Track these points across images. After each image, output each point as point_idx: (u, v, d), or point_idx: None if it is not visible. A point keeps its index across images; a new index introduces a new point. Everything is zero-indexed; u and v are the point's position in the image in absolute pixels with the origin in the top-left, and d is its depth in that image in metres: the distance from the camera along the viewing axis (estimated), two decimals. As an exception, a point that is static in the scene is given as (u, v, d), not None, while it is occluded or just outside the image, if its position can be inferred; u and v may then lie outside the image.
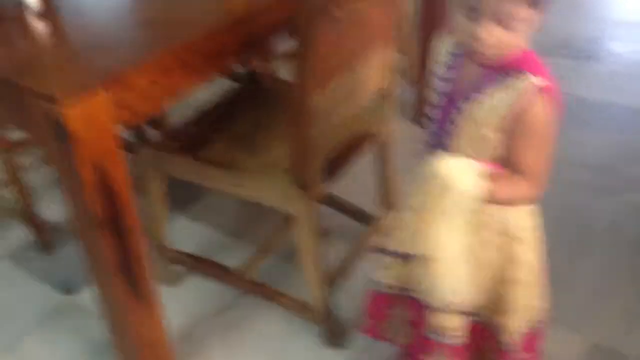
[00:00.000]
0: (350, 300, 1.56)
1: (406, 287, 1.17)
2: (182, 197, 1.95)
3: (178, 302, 1.64)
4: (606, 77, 2.57)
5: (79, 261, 1.28)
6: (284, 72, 2.06)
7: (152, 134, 2.11)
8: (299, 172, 1.29)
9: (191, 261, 1.70)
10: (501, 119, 0.96)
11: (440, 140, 1.05)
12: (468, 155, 1.00)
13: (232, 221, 1.94)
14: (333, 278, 1.52)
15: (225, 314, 1.63)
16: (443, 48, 1.06)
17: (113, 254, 1.20)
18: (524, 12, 0.90)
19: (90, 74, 1.11)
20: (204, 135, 1.53)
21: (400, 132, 1.76)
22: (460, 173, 0.98)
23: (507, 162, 1.00)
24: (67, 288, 1.73)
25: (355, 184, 1.80)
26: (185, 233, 1.87)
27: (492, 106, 0.96)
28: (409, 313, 1.21)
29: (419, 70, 2.18)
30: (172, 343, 1.36)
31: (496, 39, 0.91)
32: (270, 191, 1.37)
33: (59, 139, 1.06)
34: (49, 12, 1.35)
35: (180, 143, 1.51)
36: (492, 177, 0.99)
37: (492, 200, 1.00)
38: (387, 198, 1.69)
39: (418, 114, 2.24)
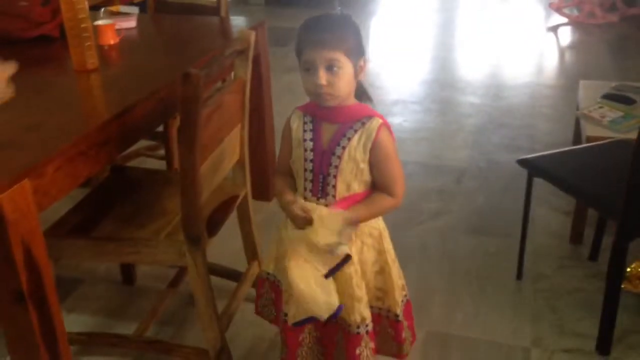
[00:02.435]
0: (234, 342, 1.84)
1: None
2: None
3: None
4: (397, 143, 3.21)
5: None
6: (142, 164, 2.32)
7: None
8: (190, 228, 1.58)
9: (83, 338, 1.85)
10: (368, 152, 1.36)
11: (322, 186, 1.40)
12: (351, 187, 1.38)
13: (110, 304, 2.11)
14: (222, 322, 1.79)
15: (126, 380, 1.80)
16: (296, 120, 1.45)
17: (38, 326, 1.37)
18: (344, 60, 1.30)
19: (10, 168, 1.32)
20: (89, 220, 1.75)
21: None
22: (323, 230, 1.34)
23: (375, 185, 1.40)
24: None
25: (220, 248, 2.12)
26: (66, 323, 1.97)
27: (361, 145, 1.36)
28: (318, 333, 1.53)
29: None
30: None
31: (328, 82, 1.30)
32: (166, 251, 1.63)
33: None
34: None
35: (69, 228, 1.72)
36: (356, 208, 1.38)
37: (364, 220, 1.40)
38: (252, 250, 2.02)
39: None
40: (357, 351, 1.48)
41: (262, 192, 2.63)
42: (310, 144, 1.42)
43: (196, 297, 1.67)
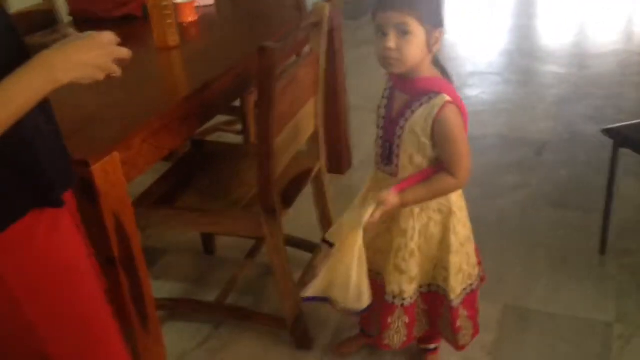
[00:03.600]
0: (309, 311, 1.89)
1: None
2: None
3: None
4: (473, 115, 3.14)
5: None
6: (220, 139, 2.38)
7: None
8: (266, 200, 1.63)
9: (169, 303, 1.95)
10: (429, 127, 1.35)
11: (388, 153, 1.42)
12: (413, 159, 1.38)
13: (192, 272, 2.20)
14: (298, 292, 1.84)
15: (208, 344, 1.88)
16: (384, 86, 1.46)
17: (128, 289, 1.46)
18: (414, 25, 1.27)
19: (100, 141, 1.40)
20: (172, 192, 1.83)
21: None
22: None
23: (439, 163, 1.39)
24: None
25: (296, 220, 2.16)
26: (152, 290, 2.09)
27: (422, 120, 1.35)
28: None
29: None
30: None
31: (397, 46, 1.28)
32: (244, 222, 1.69)
33: (86, 193, 1.33)
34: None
35: (154, 199, 1.80)
36: (414, 189, 1.38)
37: (422, 200, 1.40)
38: (327, 224, 2.05)
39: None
40: (389, 320, 1.50)
41: (336, 165, 2.65)
42: (383, 111, 1.44)
43: (274, 267, 1.72)
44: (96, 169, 1.30)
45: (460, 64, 3.88)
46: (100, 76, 1.04)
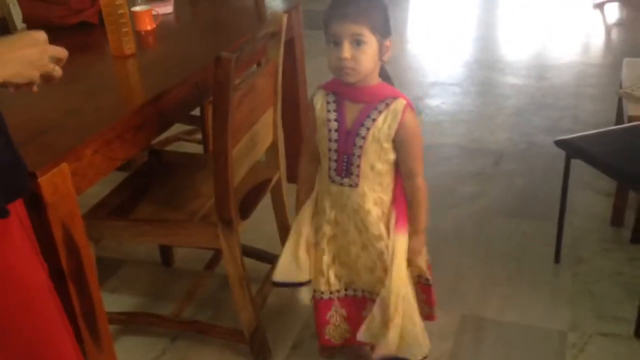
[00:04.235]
0: (268, 323, 1.87)
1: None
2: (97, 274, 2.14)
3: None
4: (433, 125, 3.19)
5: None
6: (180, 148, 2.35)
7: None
8: (223, 211, 1.61)
9: (123, 317, 1.91)
10: (393, 132, 1.38)
11: (346, 165, 1.43)
12: (374, 167, 1.42)
13: (150, 285, 2.17)
14: (255, 303, 1.82)
15: (163, 358, 1.85)
16: (320, 99, 1.46)
17: (78, 304, 1.42)
18: (368, 35, 1.31)
19: (49, 151, 1.37)
20: (127, 203, 1.80)
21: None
22: None
23: (400, 167, 1.44)
24: None
25: (255, 231, 2.15)
26: (107, 302, 2.02)
27: (386, 126, 1.37)
28: (344, 310, 1.59)
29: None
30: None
31: (352, 57, 1.31)
32: (200, 233, 1.67)
33: (33, 205, 1.30)
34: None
35: (109, 210, 1.77)
36: (414, 226, 1.49)
37: (424, 222, 1.51)
38: (286, 234, 2.04)
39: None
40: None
41: (297, 175, 2.64)
42: (335, 124, 1.43)
43: (230, 279, 1.70)
44: (44, 180, 1.28)
45: (422, 74, 3.92)
46: (35, 75, 1.01)
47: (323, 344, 1.66)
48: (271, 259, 2.06)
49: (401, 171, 1.46)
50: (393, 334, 1.48)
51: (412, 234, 1.49)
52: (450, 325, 1.89)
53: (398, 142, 1.40)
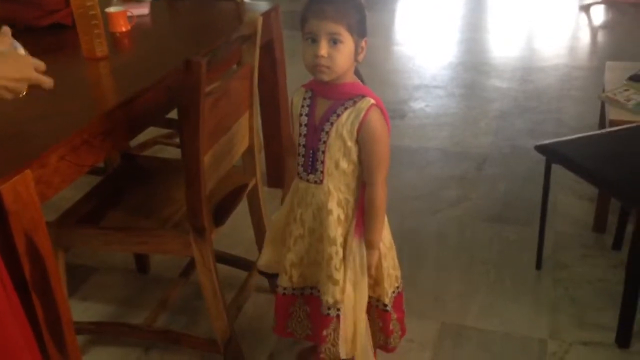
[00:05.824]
0: (244, 332, 1.83)
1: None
2: (69, 282, 2.09)
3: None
4: (417, 128, 3.16)
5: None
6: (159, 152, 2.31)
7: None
8: (195, 218, 1.57)
9: (92, 327, 1.86)
10: (355, 130, 1.34)
11: (312, 161, 1.41)
12: (339, 165, 1.38)
13: (124, 293, 2.11)
14: (229, 312, 1.78)
15: (136, 368, 1.81)
16: (298, 96, 1.44)
17: (42, 315, 1.38)
18: (345, 34, 1.28)
19: (12, 158, 1.32)
20: (98, 210, 1.75)
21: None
22: None
23: (363, 173, 1.40)
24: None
25: (232, 237, 2.11)
26: (78, 311, 1.97)
27: (349, 123, 1.35)
28: (308, 307, 1.53)
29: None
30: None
31: (328, 54, 1.28)
32: (172, 241, 1.62)
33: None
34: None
35: (78, 217, 1.72)
36: (367, 237, 1.43)
37: (380, 233, 1.45)
38: (262, 239, 2.00)
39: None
40: (324, 332, 1.48)
41: (277, 179, 2.61)
42: (305, 119, 1.42)
43: (203, 288, 1.66)
44: (5, 188, 1.23)
45: (407, 77, 3.90)
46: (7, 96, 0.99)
47: (278, 334, 1.62)
48: (248, 266, 2.02)
49: (363, 176, 1.42)
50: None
51: (366, 246, 1.44)
52: (430, 333, 1.86)
53: (360, 142, 1.37)
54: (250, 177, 1.89)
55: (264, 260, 1.64)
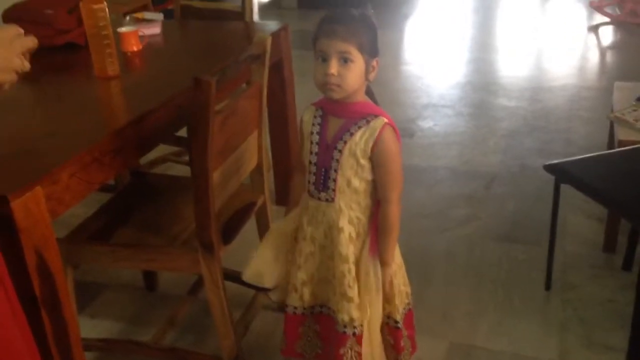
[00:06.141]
0: (251, 350, 1.83)
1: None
2: (78, 299, 2.10)
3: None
4: (426, 147, 3.17)
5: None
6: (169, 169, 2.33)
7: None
8: (204, 236, 1.58)
9: (101, 344, 1.86)
10: (369, 149, 1.36)
11: (323, 179, 1.41)
12: (351, 183, 1.39)
13: (132, 310, 2.12)
14: (237, 331, 1.78)
15: (143, 386, 1.81)
16: (308, 114, 1.45)
17: (51, 331, 1.38)
18: (355, 54, 1.30)
19: (23, 175, 1.34)
20: (108, 227, 1.77)
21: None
22: None
23: (375, 185, 1.40)
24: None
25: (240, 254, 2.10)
26: (87, 328, 1.98)
27: (362, 142, 1.36)
28: (317, 326, 1.53)
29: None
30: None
31: (339, 73, 1.30)
32: (181, 258, 1.63)
33: (5, 229, 1.26)
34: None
35: (88, 234, 1.73)
36: (381, 253, 1.43)
37: (393, 250, 1.45)
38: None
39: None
40: (341, 351, 1.47)
41: (286, 197, 2.60)
42: (316, 137, 1.43)
43: (211, 305, 1.66)
44: (16, 204, 1.24)
45: (416, 96, 3.91)
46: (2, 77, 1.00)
47: (286, 355, 1.60)
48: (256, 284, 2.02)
49: (378, 194, 1.42)
50: None
51: (381, 263, 1.45)
52: (439, 353, 1.85)
53: (374, 161, 1.38)
54: (258, 195, 1.90)
55: (252, 270, 1.56)
